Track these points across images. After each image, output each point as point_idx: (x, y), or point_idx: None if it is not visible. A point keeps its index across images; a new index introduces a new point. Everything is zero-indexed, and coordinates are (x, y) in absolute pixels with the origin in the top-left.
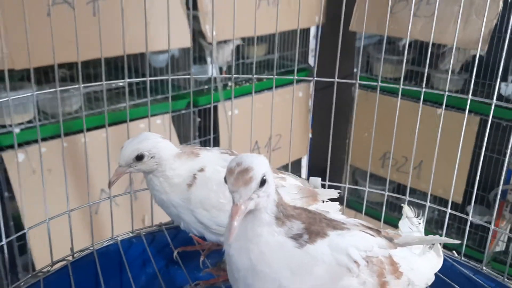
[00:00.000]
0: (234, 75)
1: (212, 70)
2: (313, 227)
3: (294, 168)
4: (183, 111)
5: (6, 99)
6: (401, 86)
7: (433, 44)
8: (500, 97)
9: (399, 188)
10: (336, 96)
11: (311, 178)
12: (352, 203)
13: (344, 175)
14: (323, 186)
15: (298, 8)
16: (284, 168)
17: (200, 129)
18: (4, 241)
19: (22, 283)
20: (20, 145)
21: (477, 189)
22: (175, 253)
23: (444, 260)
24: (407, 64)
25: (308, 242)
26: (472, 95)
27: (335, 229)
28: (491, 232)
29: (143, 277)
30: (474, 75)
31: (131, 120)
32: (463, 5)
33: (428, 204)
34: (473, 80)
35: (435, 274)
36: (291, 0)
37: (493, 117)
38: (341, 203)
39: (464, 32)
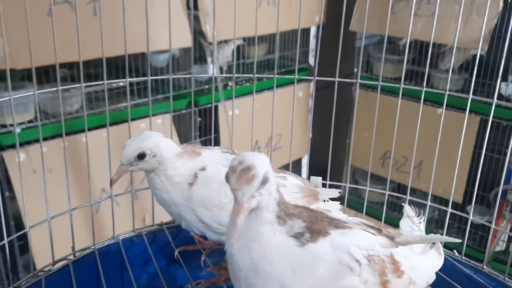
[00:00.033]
0: (235, 75)
1: (213, 70)
2: (315, 226)
3: (294, 168)
4: (184, 111)
5: (8, 98)
6: (402, 86)
7: (433, 44)
8: (500, 97)
9: (399, 188)
10: (336, 96)
11: (312, 177)
12: (352, 202)
13: (344, 175)
14: (323, 185)
15: (298, 8)
16: (285, 167)
17: (200, 129)
18: (5, 240)
19: (24, 282)
20: (21, 144)
21: (477, 189)
22: (176, 252)
23: (445, 259)
24: (407, 63)
25: (310, 241)
26: (472, 94)
27: (336, 228)
28: (491, 231)
29: (144, 276)
30: (474, 74)
31: (131, 119)
32: (463, 4)
33: (429, 203)
34: (473, 79)
35: (436, 273)
36: (291, 0)
37: (493, 117)
38: (342, 203)
39: (464, 31)
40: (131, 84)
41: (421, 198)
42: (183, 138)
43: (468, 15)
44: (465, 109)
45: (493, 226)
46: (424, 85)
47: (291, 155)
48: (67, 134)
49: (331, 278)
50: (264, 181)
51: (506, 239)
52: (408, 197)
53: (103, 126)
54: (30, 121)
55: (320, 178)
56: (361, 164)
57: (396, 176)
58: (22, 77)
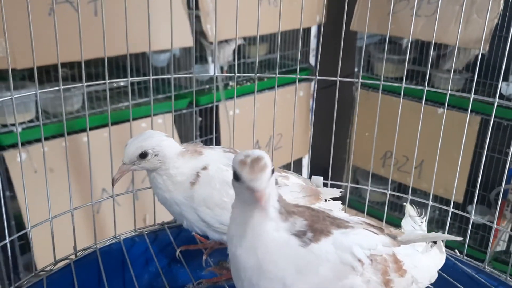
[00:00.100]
0: (236, 74)
1: (214, 69)
2: (317, 225)
3: (295, 167)
4: (184, 111)
5: (9, 97)
6: (403, 85)
7: (435, 44)
8: (500, 97)
9: (400, 188)
10: (337, 95)
11: (313, 177)
12: (353, 202)
13: (345, 175)
14: (325, 185)
15: (298, 8)
16: (285, 167)
17: (201, 128)
18: (7, 240)
19: (25, 282)
20: (21, 144)
21: (478, 189)
22: (177, 252)
23: (447, 259)
24: (408, 63)
25: (313, 240)
26: (473, 94)
27: (339, 228)
28: (493, 231)
29: (146, 275)
30: (476, 74)
31: (132, 119)
32: (464, 4)
33: (430, 203)
34: (475, 79)
35: (438, 273)
36: None
37: (494, 116)
38: (343, 203)
39: (465, 31)
40: (132, 83)
41: (422, 198)
42: (184, 137)
43: (469, 15)
44: (466, 109)
45: (494, 225)
46: (426, 84)
47: (292, 155)
48: (68, 133)
49: (334, 278)
50: (272, 172)
51: (506, 239)
52: (410, 197)
53: (103, 126)
54: (30, 121)
55: (322, 177)
56: (362, 163)
57: (397, 176)
58: (22, 77)
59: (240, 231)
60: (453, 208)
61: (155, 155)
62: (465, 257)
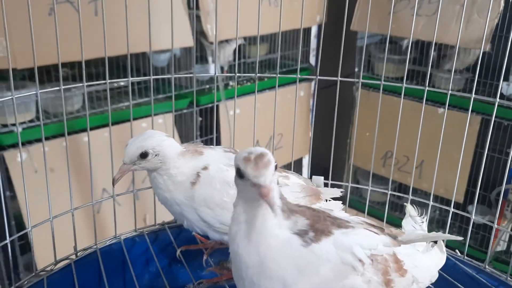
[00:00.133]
0: (237, 74)
1: (214, 69)
2: (318, 225)
3: (295, 167)
4: (185, 111)
5: (10, 97)
6: (404, 85)
7: (436, 45)
8: (501, 97)
9: (400, 188)
10: (338, 95)
11: (314, 177)
12: (353, 202)
13: (345, 175)
14: (325, 185)
15: (299, 8)
16: (286, 167)
17: (201, 128)
18: (8, 240)
19: (26, 282)
20: (22, 144)
21: (479, 189)
22: (178, 252)
23: (447, 259)
24: (408, 63)
25: (314, 240)
26: (474, 94)
27: (339, 228)
28: (494, 231)
29: (146, 275)
30: (476, 74)
31: (133, 119)
32: (465, 4)
33: (431, 203)
34: (475, 79)
35: (438, 273)
36: None
37: (494, 116)
38: (343, 203)
39: (466, 31)
40: (132, 83)
41: (422, 198)
42: (184, 137)
43: (469, 15)
44: (466, 109)
45: (495, 225)
46: (426, 84)
47: (293, 155)
48: (68, 133)
49: (334, 277)
50: (275, 168)
51: (507, 239)
52: (410, 197)
53: (103, 126)
54: (31, 121)
55: (322, 177)
56: (362, 163)
57: (398, 176)
58: (23, 77)
59: (243, 229)
60: (453, 208)
61: (156, 155)
62: (465, 257)
